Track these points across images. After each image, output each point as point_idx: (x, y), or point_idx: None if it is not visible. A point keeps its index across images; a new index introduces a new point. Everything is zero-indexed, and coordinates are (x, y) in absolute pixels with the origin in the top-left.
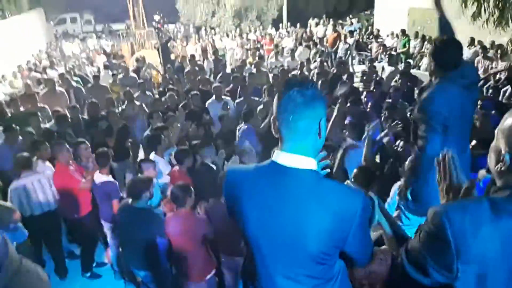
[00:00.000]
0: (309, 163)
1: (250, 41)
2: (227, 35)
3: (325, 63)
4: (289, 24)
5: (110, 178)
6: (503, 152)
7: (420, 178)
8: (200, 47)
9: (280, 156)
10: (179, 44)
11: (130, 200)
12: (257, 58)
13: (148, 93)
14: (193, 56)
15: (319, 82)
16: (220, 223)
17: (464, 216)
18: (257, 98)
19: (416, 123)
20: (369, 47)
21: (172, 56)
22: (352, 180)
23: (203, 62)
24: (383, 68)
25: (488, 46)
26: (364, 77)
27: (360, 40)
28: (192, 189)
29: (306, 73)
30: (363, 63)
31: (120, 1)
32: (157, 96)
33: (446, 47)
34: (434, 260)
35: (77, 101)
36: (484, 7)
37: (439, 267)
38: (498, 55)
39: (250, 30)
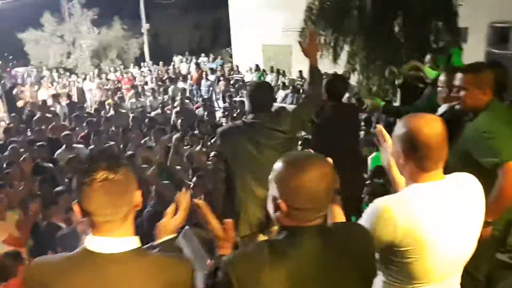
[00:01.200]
0: (128, 243)
1: (110, 82)
2: (85, 77)
3: (187, 101)
4: (151, 62)
5: None
6: (278, 201)
7: None
8: (54, 91)
9: (93, 242)
10: (28, 89)
11: None
12: (116, 99)
13: None
14: (44, 102)
15: (179, 121)
16: None
17: (246, 264)
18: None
19: None
20: (231, 82)
21: (20, 103)
22: None
23: (56, 107)
24: (244, 103)
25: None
26: (226, 112)
27: (223, 76)
28: (24, 256)
29: (168, 112)
30: (226, 100)
31: None
32: None
33: (259, 89)
34: None
35: None
36: (320, 42)
37: None
38: None
39: (111, 70)
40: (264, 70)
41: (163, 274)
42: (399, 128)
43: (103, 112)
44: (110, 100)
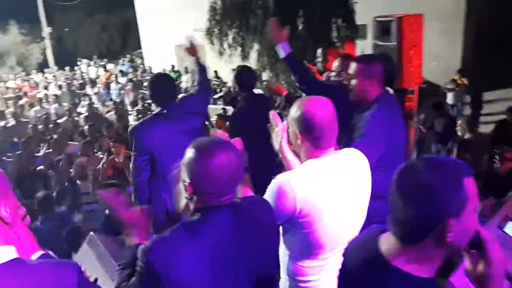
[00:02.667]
0: (4, 253)
1: (9, 90)
2: None
3: (98, 105)
4: (56, 67)
5: None
6: (187, 184)
7: None
8: None
9: None
10: None
11: None
12: (16, 107)
13: None
14: None
15: (87, 126)
16: None
17: (165, 248)
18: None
19: None
20: (143, 84)
21: None
22: None
23: None
24: None
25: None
26: (139, 115)
27: (135, 78)
28: None
29: (76, 118)
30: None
31: None
32: None
33: (157, 82)
34: None
35: None
36: (228, 43)
37: None
38: None
39: (10, 78)
40: (178, 71)
41: (45, 283)
42: (294, 111)
43: (3, 122)
44: (10, 109)
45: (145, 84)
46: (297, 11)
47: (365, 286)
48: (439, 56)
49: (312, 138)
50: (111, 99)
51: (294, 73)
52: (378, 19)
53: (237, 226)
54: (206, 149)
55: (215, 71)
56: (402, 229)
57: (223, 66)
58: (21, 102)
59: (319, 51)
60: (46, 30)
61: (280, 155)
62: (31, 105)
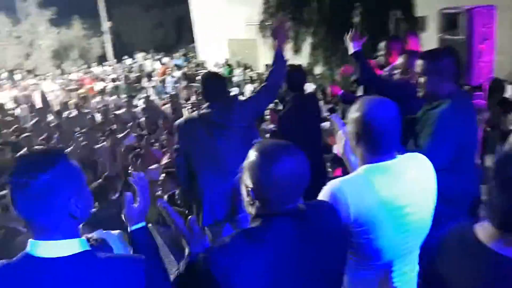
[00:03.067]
0: (73, 246)
1: (72, 82)
2: (45, 78)
3: (155, 98)
4: (115, 60)
5: None
6: (249, 188)
7: None
8: (14, 93)
9: (36, 247)
10: None
11: None
12: (79, 99)
13: None
14: (1, 105)
15: (142, 119)
16: None
17: (225, 257)
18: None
19: None
20: (196, 78)
21: None
22: None
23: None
24: None
25: None
26: (193, 108)
27: (189, 72)
28: None
29: (133, 110)
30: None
31: None
32: None
33: (207, 80)
34: None
35: None
36: None
37: None
38: None
39: (73, 70)
40: (231, 65)
41: (114, 276)
42: (354, 110)
43: (66, 113)
44: (73, 100)
45: (198, 78)
46: (353, 3)
47: (463, 271)
48: (509, 50)
49: (370, 141)
50: (166, 92)
51: (360, 70)
52: (445, 11)
53: (302, 234)
54: (271, 153)
55: (267, 65)
56: (499, 217)
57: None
58: (83, 93)
59: (382, 44)
60: (106, 25)
61: (344, 160)
62: (92, 97)
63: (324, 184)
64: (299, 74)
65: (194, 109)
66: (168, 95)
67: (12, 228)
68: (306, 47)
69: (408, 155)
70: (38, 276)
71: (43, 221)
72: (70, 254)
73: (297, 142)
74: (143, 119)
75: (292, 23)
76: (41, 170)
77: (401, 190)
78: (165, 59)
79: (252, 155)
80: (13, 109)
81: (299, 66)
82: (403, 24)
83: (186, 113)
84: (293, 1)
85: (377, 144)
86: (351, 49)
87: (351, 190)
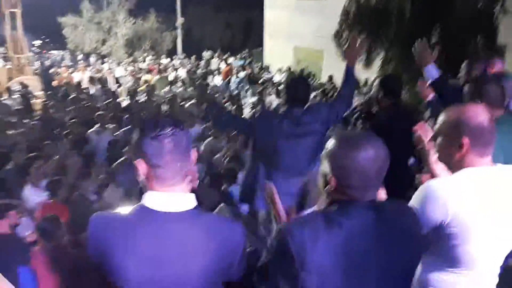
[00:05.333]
0: (188, 202)
1: (142, 71)
2: (118, 64)
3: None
4: (184, 55)
5: None
6: (329, 176)
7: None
8: (88, 74)
9: (153, 200)
10: (63, 71)
11: None
12: (148, 86)
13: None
14: (79, 83)
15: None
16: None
17: (303, 230)
18: None
19: None
20: (259, 81)
21: (55, 83)
22: None
23: (91, 89)
24: (270, 102)
25: (362, 83)
26: (254, 108)
27: (252, 74)
28: (62, 222)
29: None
30: (254, 96)
31: None
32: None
33: (295, 84)
34: (282, 274)
35: None
36: None
37: (287, 282)
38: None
39: (144, 60)
40: (293, 72)
41: (219, 234)
42: (449, 115)
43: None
44: (142, 87)
45: (260, 81)
46: (434, 24)
47: None
48: None
49: (473, 143)
50: (229, 91)
51: (441, 99)
52: None
53: (379, 227)
54: (354, 141)
55: (330, 76)
56: None
57: (339, 71)
58: (152, 82)
59: (464, 66)
60: (179, 21)
61: (432, 170)
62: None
63: (409, 189)
64: (396, 81)
65: (254, 109)
66: (228, 95)
67: (84, 195)
68: (377, 62)
69: (506, 166)
70: (156, 225)
71: (178, 171)
72: (186, 209)
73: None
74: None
75: (367, 37)
76: (180, 124)
77: (499, 199)
78: (231, 60)
79: (333, 144)
80: (87, 88)
81: (394, 75)
82: (484, 49)
83: (245, 112)
84: (372, 16)
85: (480, 144)
86: (427, 76)
87: (452, 191)
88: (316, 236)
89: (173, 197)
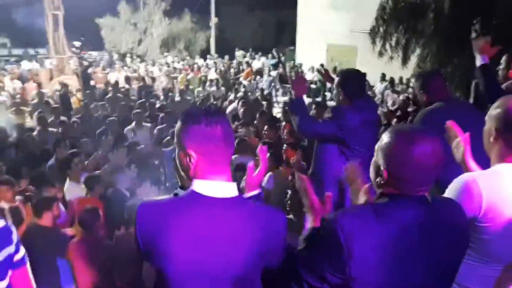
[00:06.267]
0: (231, 189)
1: (177, 70)
2: (153, 64)
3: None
4: (217, 55)
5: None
6: (381, 168)
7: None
8: (124, 74)
9: (202, 186)
10: (100, 71)
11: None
12: (183, 87)
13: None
14: (116, 83)
15: (242, 110)
16: (129, 253)
17: (354, 219)
18: None
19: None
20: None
21: (93, 83)
22: None
23: (128, 89)
24: None
25: (397, 81)
26: (285, 107)
27: (284, 73)
28: (101, 214)
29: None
30: (285, 95)
31: (38, 25)
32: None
33: (350, 78)
34: (330, 264)
35: None
36: (390, 44)
37: (334, 271)
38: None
39: (179, 61)
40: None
41: (262, 220)
42: (494, 107)
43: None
44: (179, 86)
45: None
46: (473, 19)
47: None
48: None
49: (508, 137)
50: (261, 89)
51: (485, 84)
52: None
53: (427, 223)
54: (410, 134)
55: (364, 73)
56: None
57: (372, 68)
58: (186, 82)
59: (504, 58)
60: (213, 21)
61: (464, 167)
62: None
63: None
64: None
65: (286, 108)
66: (260, 93)
67: (118, 190)
68: (414, 59)
69: None
70: (204, 210)
71: (224, 158)
72: (231, 196)
73: None
74: (241, 110)
75: (403, 33)
76: (222, 112)
77: None
78: (263, 59)
79: (388, 137)
80: (124, 87)
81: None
82: None
83: (275, 112)
84: (410, 10)
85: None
86: (479, 61)
87: (486, 184)
88: (366, 227)
89: (220, 184)
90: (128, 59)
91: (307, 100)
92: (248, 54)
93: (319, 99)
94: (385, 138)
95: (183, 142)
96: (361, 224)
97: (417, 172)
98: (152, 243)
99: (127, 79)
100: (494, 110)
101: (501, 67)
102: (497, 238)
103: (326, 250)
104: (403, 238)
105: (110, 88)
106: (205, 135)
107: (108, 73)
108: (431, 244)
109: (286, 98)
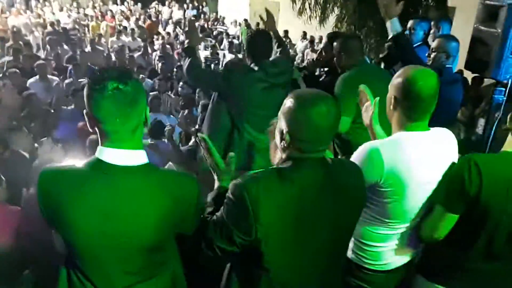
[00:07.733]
0: (139, 157)
1: (88, 17)
2: (61, 9)
3: (168, 46)
4: (132, 2)
5: None
6: (284, 132)
7: None
8: (27, 19)
9: (106, 154)
10: None
11: None
12: (94, 35)
13: None
14: (18, 30)
15: (159, 64)
16: (37, 216)
17: (258, 186)
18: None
19: None
20: (213, 33)
21: None
22: None
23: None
24: (224, 55)
25: (317, 40)
26: (207, 63)
27: (205, 26)
28: (3, 178)
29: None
30: (207, 49)
31: None
32: None
33: (256, 39)
34: (237, 228)
35: None
36: (309, 3)
37: (241, 234)
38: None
39: (88, 5)
40: (249, 25)
41: (171, 188)
42: (396, 76)
43: (80, 47)
44: (89, 36)
45: (215, 33)
46: None
47: None
48: None
49: (405, 107)
50: (182, 42)
51: (403, 52)
52: (487, 2)
53: (327, 184)
54: (308, 98)
55: (285, 31)
56: None
57: (294, 26)
58: (100, 31)
59: (410, 23)
60: None
61: (370, 130)
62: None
63: None
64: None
65: (208, 63)
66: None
67: (17, 152)
68: (332, 20)
69: (439, 129)
70: (108, 179)
71: (123, 126)
72: (138, 164)
73: None
74: (159, 65)
75: None
76: (127, 78)
77: (429, 160)
78: (178, 10)
79: (289, 101)
80: (25, 35)
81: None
82: (433, 11)
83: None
84: None
85: (412, 111)
86: (392, 29)
87: (387, 152)
88: (270, 190)
89: (125, 152)
90: (32, 2)
91: (229, 56)
92: (166, 3)
93: (241, 55)
94: (287, 102)
95: (88, 107)
96: (265, 188)
97: (315, 132)
98: (55, 213)
99: (27, 26)
100: (395, 79)
101: (407, 31)
102: (396, 201)
103: (234, 214)
104: (305, 198)
105: (10, 36)
106: (96, 102)
107: (7, 18)
108: (330, 203)
109: (207, 53)
